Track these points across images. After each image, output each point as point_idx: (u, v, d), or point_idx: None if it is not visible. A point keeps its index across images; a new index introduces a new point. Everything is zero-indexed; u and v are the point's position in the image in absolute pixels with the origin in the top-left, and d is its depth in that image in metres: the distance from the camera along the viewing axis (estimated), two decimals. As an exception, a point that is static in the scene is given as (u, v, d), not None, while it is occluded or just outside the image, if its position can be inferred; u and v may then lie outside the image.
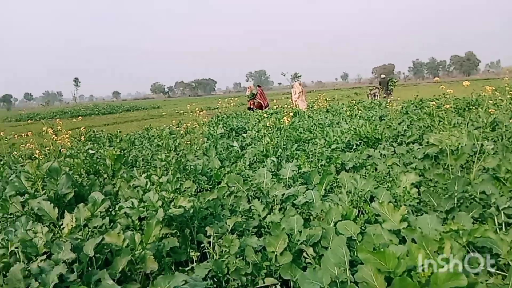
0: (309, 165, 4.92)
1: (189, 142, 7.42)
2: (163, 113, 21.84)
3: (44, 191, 3.91)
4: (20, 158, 6.55)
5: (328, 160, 5.16)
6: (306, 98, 17.51)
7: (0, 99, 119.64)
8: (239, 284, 2.35)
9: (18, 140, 7.80)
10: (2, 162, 6.35)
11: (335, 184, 4.24)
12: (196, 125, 9.47)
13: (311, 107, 16.00)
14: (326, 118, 10.82)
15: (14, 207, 3.58)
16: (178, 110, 17.30)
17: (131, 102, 66.79)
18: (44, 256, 2.37)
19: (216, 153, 6.31)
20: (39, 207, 3.32)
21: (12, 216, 3.53)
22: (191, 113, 12.35)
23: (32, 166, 4.22)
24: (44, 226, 2.76)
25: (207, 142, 7.51)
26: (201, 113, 11.61)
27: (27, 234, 2.62)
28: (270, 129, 7.81)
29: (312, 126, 8.97)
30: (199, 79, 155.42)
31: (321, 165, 5.05)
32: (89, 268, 2.43)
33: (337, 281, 2.02)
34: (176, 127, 10.16)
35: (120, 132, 10.17)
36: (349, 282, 1.98)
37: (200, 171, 4.96)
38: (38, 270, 2.17)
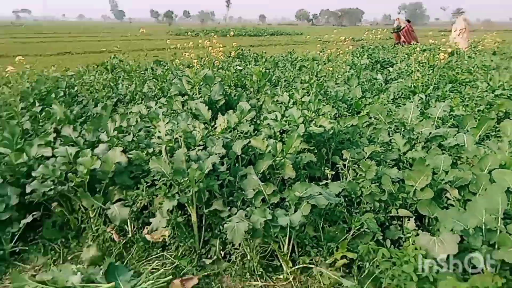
0: (463, 109, 4.41)
1: (331, 69, 7.28)
2: (307, 38, 21.51)
3: (200, 94, 4.39)
4: (181, 66, 7.37)
5: (488, 106, 4.52)
6: (469, 37, 15.05)
7: (164, 14, 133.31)
8: (371, 208, 2.36)
9: (179, 51, 8.70)
10: (166, 68, 7.25)
11: (493, 133, 3.75)
12: (340, 53, 9.14)
13: (474, 47, 13.82)
14: (492, 60, 9.26)
15: (176, 105, 4.14)
16: (321, 38, 16.77)
17: (275, 27, 67.23)
18: (201, 147, 2.73)
19: (358, 83, 6.10)
20: (196, 108, 3.77)
21: (174, 112, 4.09)
22: (335, 42, 11.88)
23: (191, 72, 4.73)
24: (200, 123, 3.14)
25: (349, 72, 7.25)
26: (345, 42, 11.10)
27: (187, 127, 3.02)
28: (421, 65, 7.10)
29: (473, 67, 7.82)
30: (345, 8, 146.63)
31: (478, 110, 4.47)
32: (236, 164, 2.72)
33: (484, 227, 1.86)
34: (319, 53, 9.99)
35: (265, 53, 10.50)
36: (498, 231, 1.81)
37: (340, 98, 4.89)
38: (196, 157, 2.51)
